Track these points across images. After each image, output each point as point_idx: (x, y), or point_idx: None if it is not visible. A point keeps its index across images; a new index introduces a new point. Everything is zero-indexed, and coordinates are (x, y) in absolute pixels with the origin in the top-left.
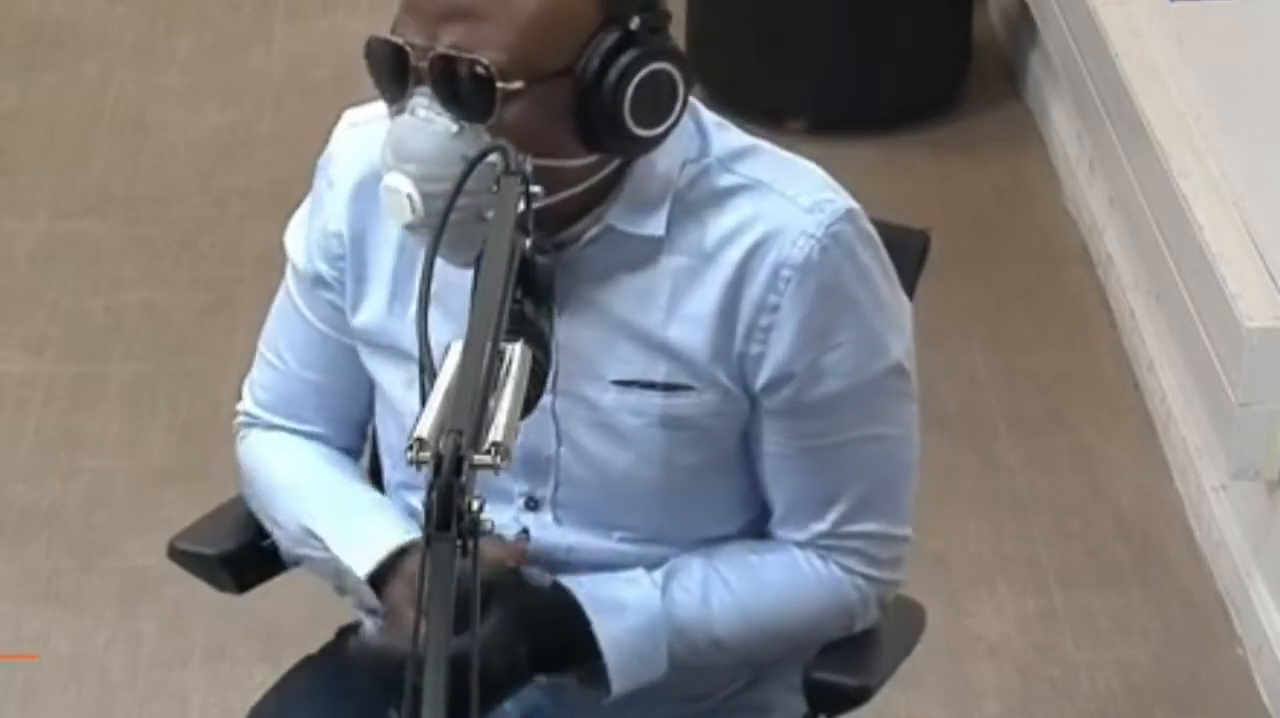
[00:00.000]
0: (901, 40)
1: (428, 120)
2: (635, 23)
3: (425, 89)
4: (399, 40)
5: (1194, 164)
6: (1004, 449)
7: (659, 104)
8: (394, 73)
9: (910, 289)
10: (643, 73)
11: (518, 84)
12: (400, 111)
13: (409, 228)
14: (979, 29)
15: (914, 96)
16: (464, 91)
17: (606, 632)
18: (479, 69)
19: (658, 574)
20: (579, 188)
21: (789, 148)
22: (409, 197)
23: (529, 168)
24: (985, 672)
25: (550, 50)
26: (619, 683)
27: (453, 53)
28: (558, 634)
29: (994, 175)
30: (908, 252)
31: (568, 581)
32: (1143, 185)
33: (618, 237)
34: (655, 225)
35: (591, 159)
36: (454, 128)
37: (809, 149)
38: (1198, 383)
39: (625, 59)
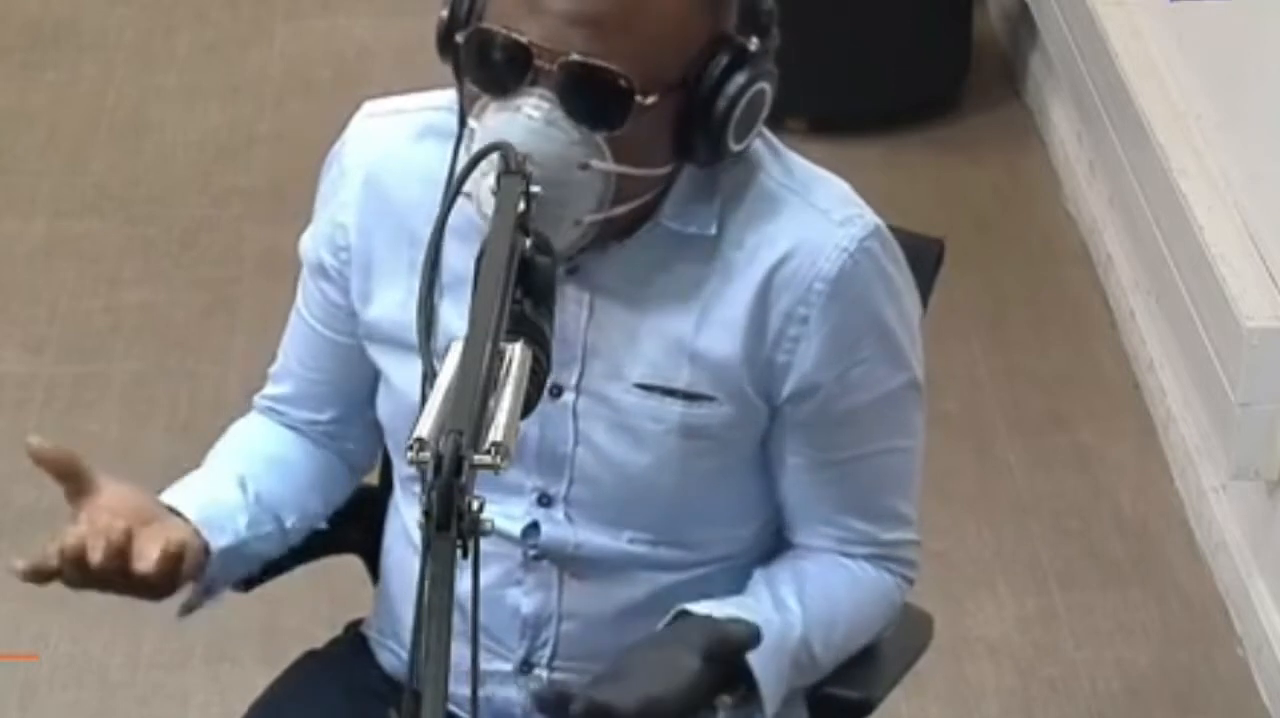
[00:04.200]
0: (901, 40)
1: (548, 123)
2: (754, 44)
3: (546, 92)
4: (523, 38)
5: (1194, 164)
6: (1004, 449)
7: (754, 120)
8: (510, 70)
9: (925, 296)
10: (751, 91)
11: (653, 98)
12: (503, 109)
13: None
14: (979, 29)
15: (914, 96)
16: (595, 100)
17: (756, 658)
18: (621, 81)
19: (766, 595)
20: (649, 195)
21: (789, 148)
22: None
23: (606, 164)
24: (985, 672)
25: (670, 63)
26: (771, 706)
27: (589, 60)
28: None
29: (994, 175)
30: (922, 259)
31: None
32: (1143, 185)
33: (664, 234)
34: (704, 224)
35: (670, 167)
36: (575, 134)
37: (809, 149)
38: (1198, 383)
39: (741, 77)
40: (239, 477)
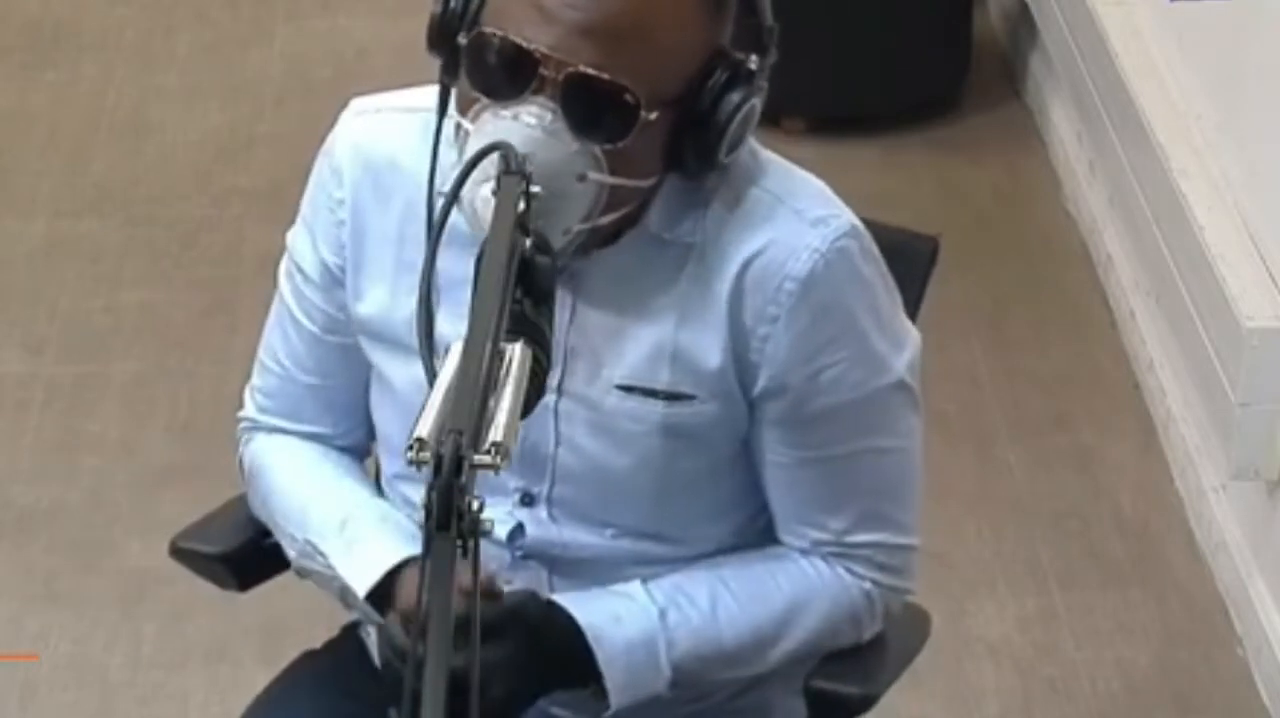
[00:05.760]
0: (901, 40)
1: (549, 133)
2: (753, 61)
3: (548, 102)
4: (530, 45)
5: (1194, 164)
6: (1004, 449)
7: (744, 135)
8: (514, 76)
9: (919, 294)
10: (746, 108)
11: (655, 114)
12: (502, 115)
13: None
14: (979, 29)
15: (914, 96)
16: (600, 114)
17: (603, 647)
18: (627, 97)
19: (656, 589)
20: (634, 204)
21: (789, 148)
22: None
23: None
24: (985, 672)
25: (673, 78)
26: (617, 697)
27: (595, 73)
28: (560, 656)
29: (994, 175)
30: (917, 257)
31: (563, 599)
32: (1143, 185)
33: (648, 240)
34: (690, 232)
35: (657, 178)
36: (575, 145)
37: (809, 149)
38: (1198, 383)
39: (738, 95)
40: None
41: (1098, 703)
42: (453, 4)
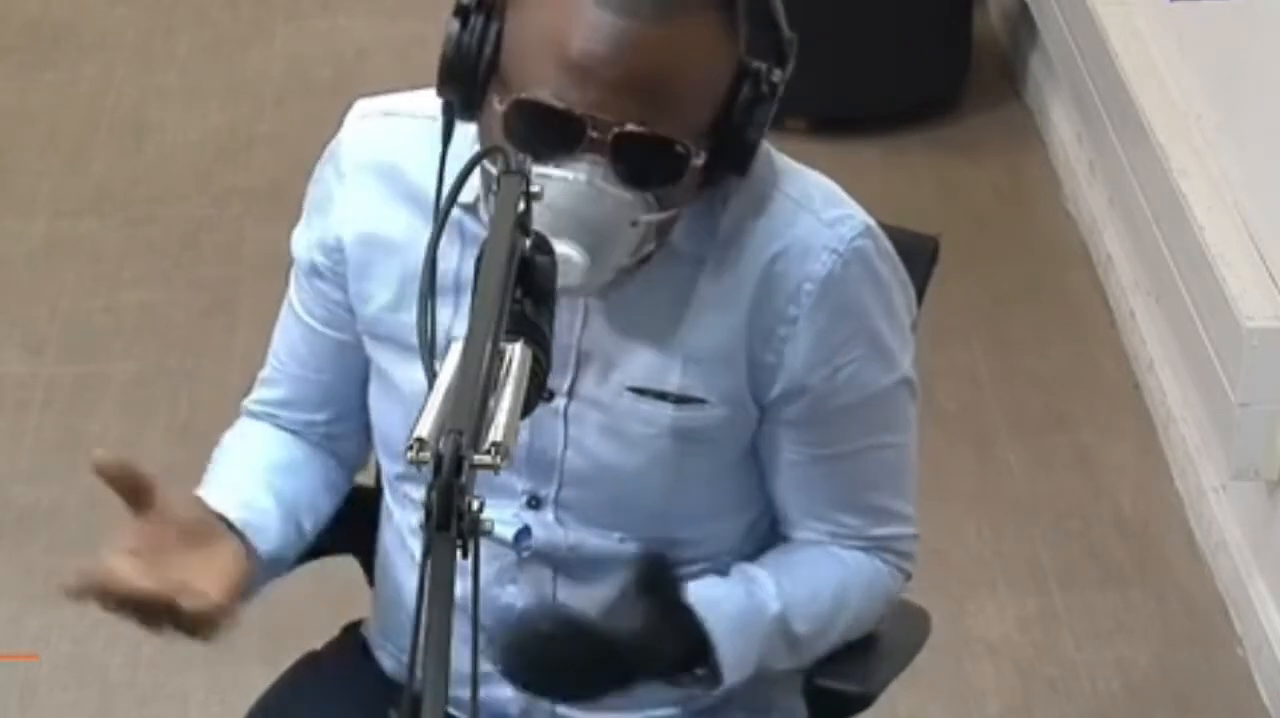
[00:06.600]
0: (901, 40)
1: (601, 190)
2: (776, 75)
3: (599, 158)
4: (576, 110)
5: (1194, 164)
6: (1004, 449)
7: (761, 139)
8: (560, 139)
9: (920, 294)
10: (767, 120)
11: (702, 157)
12: (550, 174)
13: (565, 291)
14: (979, 29)
15: (914, 96)
16: (651, 167)
17: (715, 623)
18: (678, 148)
19: (739, 575)
20: (674, 226)
21: (789, 148)
22: (579, 267)
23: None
24: (985, 672)
25: (709, 110)
26: (730, 674)
27: (642, 130)
28: (676, 634)
29: (994, 175)
30: (917, 257)
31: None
32: (1143, 185)
33: (671, 248)
34: (705, 237)
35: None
36: (627, 196)
37: (809, 149)
38: (1198, 383)
39: (765, 111)
40: (264, 483)
41: (1098, 703)
42: (464, 47)
